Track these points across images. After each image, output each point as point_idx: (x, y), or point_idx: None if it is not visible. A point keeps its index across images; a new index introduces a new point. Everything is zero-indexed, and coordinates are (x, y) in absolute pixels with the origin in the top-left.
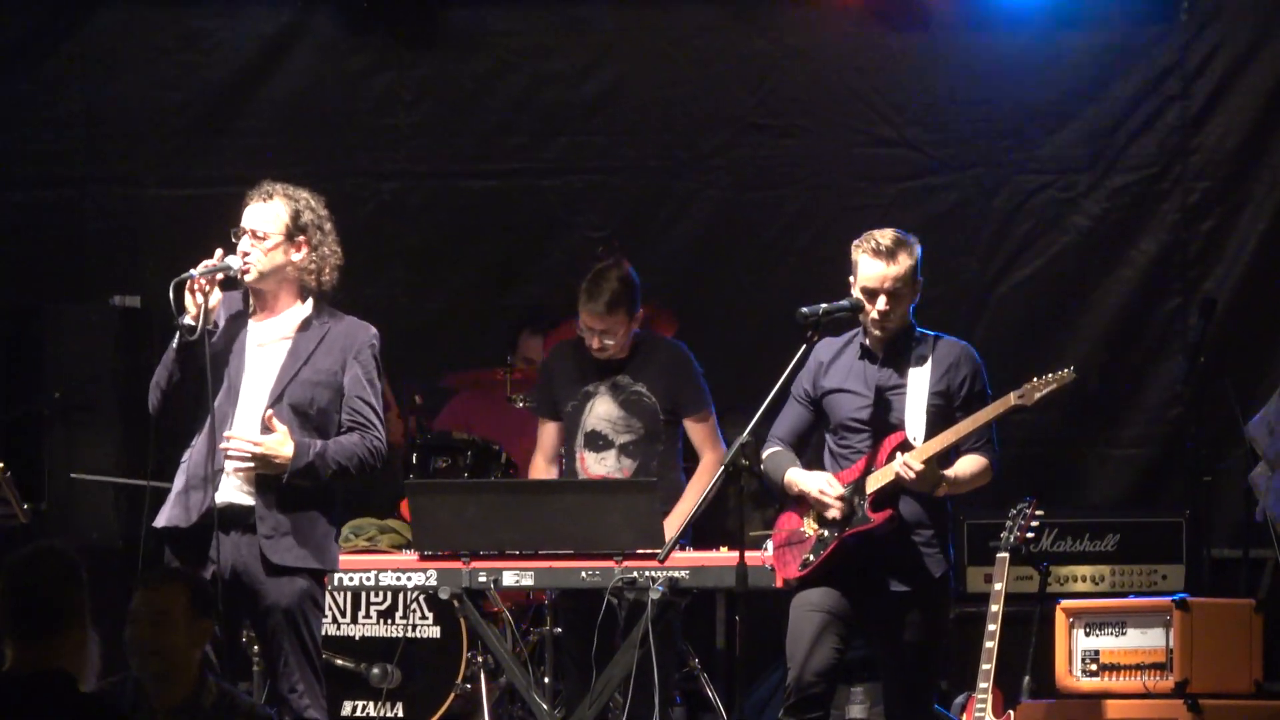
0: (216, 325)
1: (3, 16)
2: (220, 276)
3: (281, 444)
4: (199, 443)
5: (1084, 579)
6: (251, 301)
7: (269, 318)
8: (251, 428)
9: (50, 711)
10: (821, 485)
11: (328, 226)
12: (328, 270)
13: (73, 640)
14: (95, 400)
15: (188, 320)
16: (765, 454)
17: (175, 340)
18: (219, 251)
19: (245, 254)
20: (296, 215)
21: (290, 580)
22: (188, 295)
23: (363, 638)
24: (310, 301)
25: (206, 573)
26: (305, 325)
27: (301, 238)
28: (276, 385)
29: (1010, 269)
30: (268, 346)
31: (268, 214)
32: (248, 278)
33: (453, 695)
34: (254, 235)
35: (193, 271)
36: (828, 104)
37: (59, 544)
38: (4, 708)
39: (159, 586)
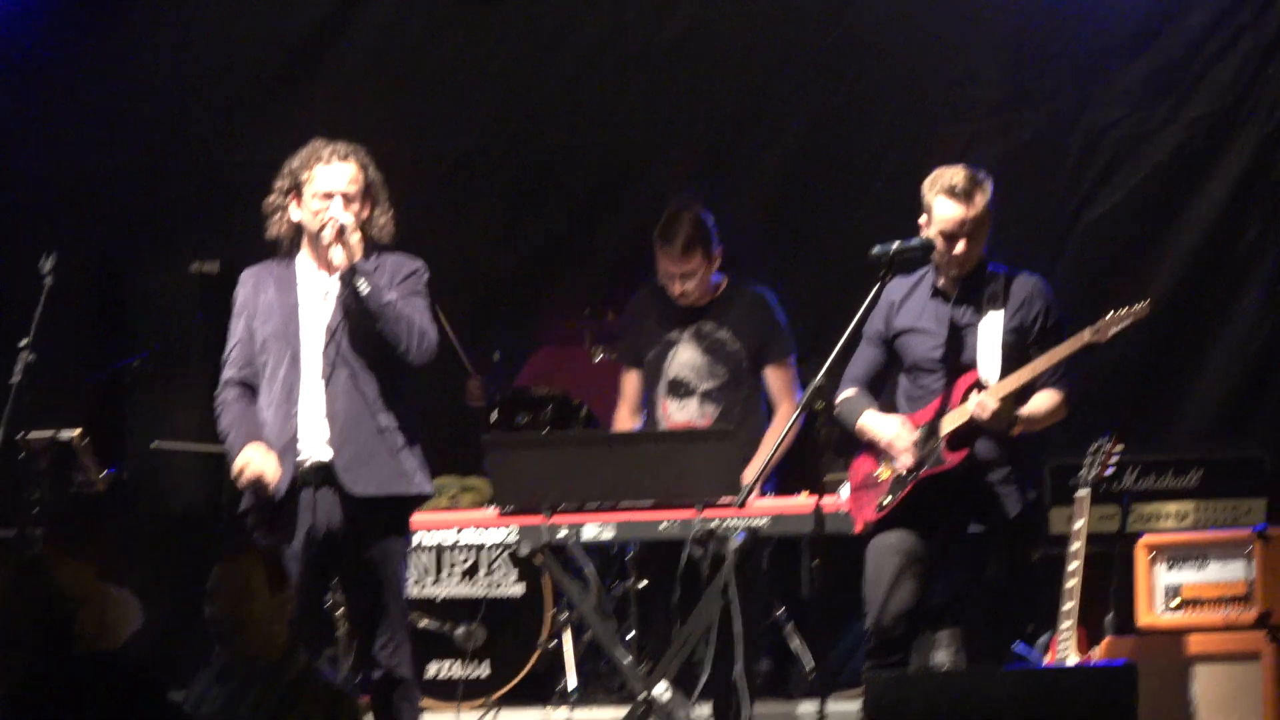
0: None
1: None
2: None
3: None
4: (271, 414)
5: (1168, 515)
6: (312, 262)
7: (324, 275)
8: (317, 386)
9: (95, 692)
10: (894, 432)
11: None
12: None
13: (90, 618)
14: (179, 366)
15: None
16: (840, 398)
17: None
18: (330, 215)
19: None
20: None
21: (379, 539)
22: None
23: (446, 598)
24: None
25: (297, 539)
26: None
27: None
28: (330, 323)
29: (1088, 204)
30: (325, 300)
31: (350, 174)
32: (354, 238)
33: (538, 653)
34: (345, 197)
35: (344, 220)
36: (903, 40)
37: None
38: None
39: (236, 560)
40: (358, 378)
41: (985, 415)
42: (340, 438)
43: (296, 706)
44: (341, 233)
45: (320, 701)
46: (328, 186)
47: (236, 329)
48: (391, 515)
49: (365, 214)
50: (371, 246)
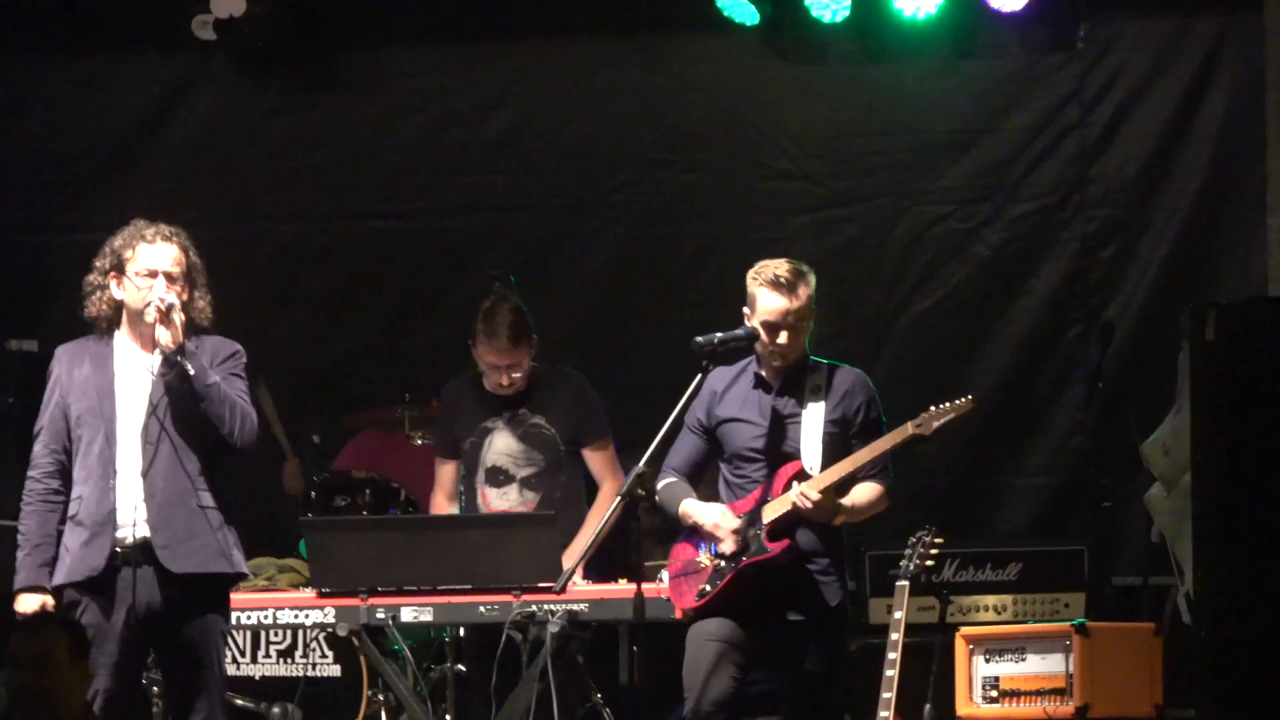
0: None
1: None
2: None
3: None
4: (88, 490)
5: (987, 608)
6: (131, 341)
7: (143, 354)
8: (135, 464)
9: None
10: (716, 518)
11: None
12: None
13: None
14: None
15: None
16: (660, 484)
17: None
18: (156, 294)
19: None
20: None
21: (197, 616)
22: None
23: (263, 677)
24: None
25: (117, 616)
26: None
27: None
28: (150, 401)
29: (911, 300)
30: (140, 381)
31: (172, 255)
32: (179, 318)
33: None
34: (168, 277)
35: (170, 300)
36: (727, 139)
37: None
38: None
39: (38, 630)
40: (178, 456)
41: (807, 505)
42: (159, 515)
43: None
44: (168, 312)
45: None
46: (151, 265)
47: (48, 405)
48: (210, 593)
49: (185, 296)
50: (191, 329)
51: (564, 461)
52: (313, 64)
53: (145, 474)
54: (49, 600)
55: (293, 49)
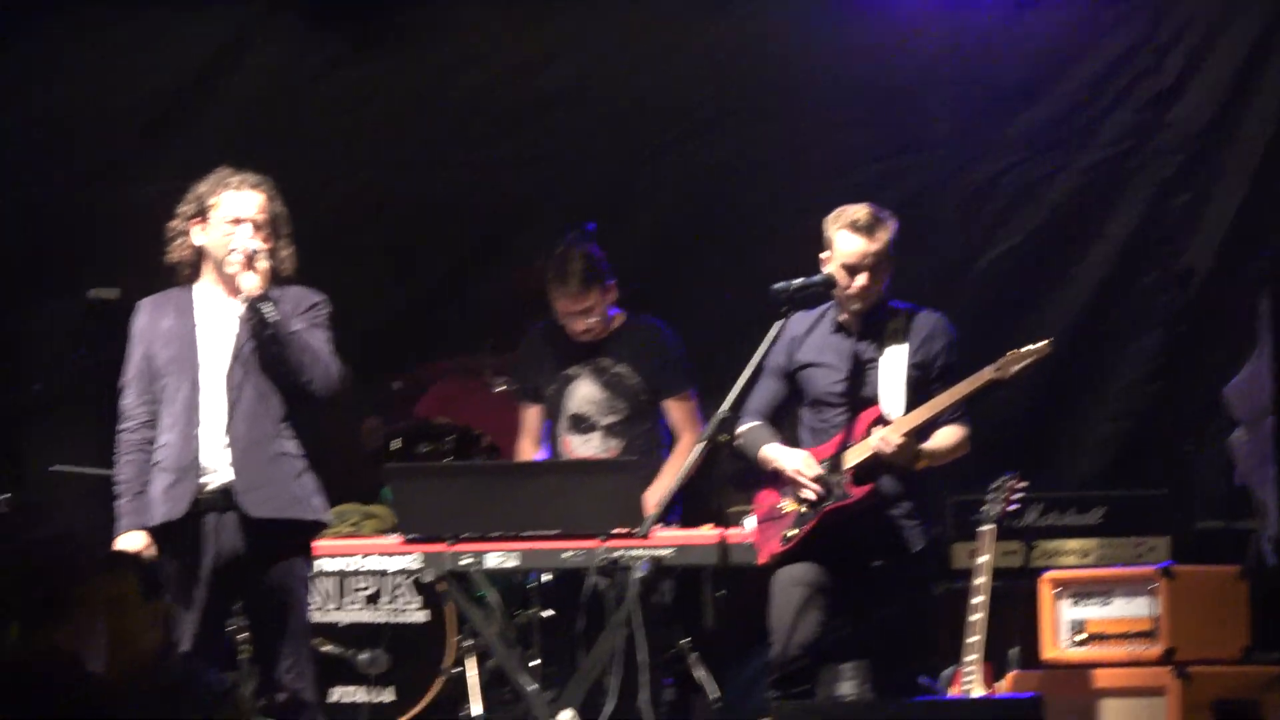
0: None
1: None
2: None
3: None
4: (173, 436)
5: (1070, 553)
6: (214, 288)
7: (227, 300)
8: (219, 410)
9: (55, 692)
10: (798, 465)
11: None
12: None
13: (81, 624)
14: (75, 392)
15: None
16: (742, 429)
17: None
18: (241, 240)
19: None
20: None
21: (281, 562)
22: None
23: (349, 623)
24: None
25: (203, 563)
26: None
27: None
28: (235, 347)
29: (985, 247)
30: (223, 328)
31: (258, 203)
32: (263, 265)
33: (441, 679)
34: (253, 224)
35: (254, 246)
36: (795, 88)
37: (66, 531)
38: (11, 687)
39: (110, 572)
40: (261, 402)
41: (889, 450)
42: (240, 461)
43: (177, 710)
44: (252, 258)
45: (200, 703)
46: (236, 213)
47: (133, 357)
48: (292, 539)
49: (269, 245)
50: (274, 279)
51: (646, 410)
52: (372, 17)
53: (229, 420)
54: (149, 542)
55: (352, 2)
